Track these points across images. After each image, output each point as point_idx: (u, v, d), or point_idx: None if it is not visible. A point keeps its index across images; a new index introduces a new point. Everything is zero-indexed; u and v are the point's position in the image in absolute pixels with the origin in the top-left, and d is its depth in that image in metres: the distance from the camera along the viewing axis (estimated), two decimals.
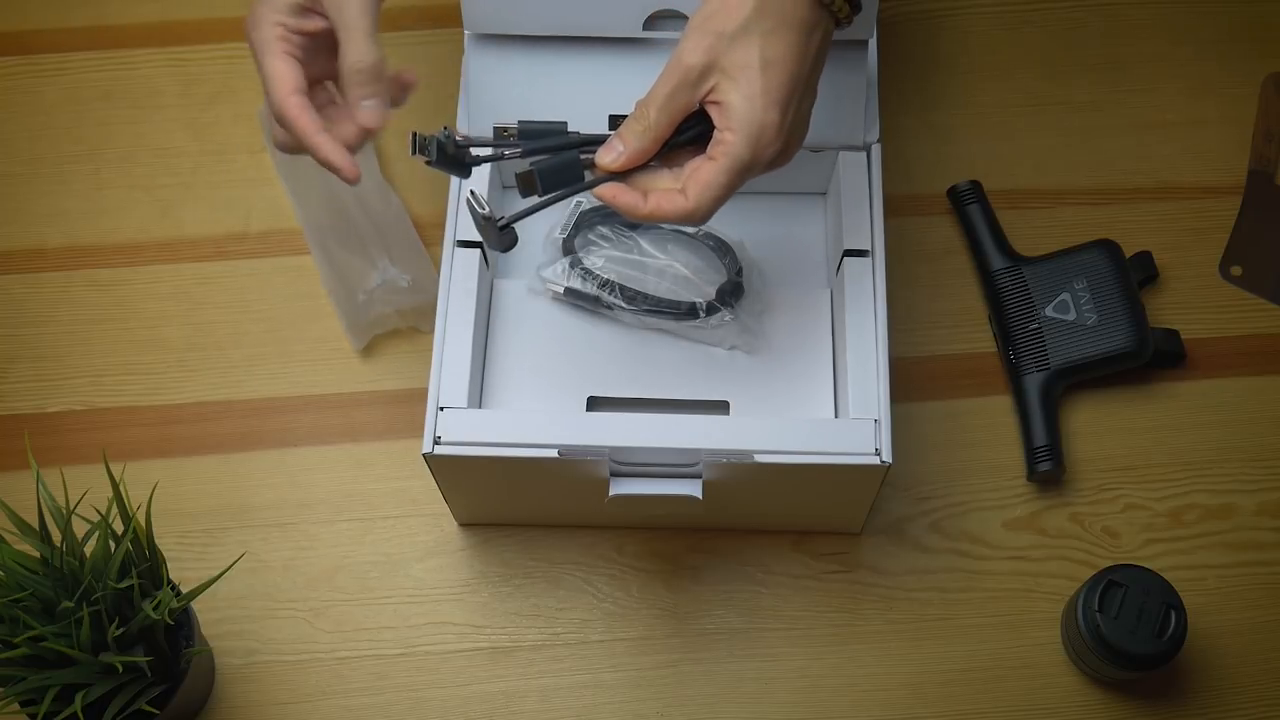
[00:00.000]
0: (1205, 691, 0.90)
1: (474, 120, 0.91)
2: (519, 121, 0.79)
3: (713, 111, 0.75)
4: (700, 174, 0.74)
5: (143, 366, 0.99)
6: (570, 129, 0.80)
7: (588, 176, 0.77)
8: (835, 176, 0.92)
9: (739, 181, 0.74)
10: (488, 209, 0.76)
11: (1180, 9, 1.10)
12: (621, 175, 0.76)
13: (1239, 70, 1.08)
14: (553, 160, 0.76)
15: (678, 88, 0.74)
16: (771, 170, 0.76)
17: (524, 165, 0.76)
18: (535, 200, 0.76)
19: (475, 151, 0.78)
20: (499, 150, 0.78)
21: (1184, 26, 1.10)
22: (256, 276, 1.02)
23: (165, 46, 1.10)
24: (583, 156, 0.76)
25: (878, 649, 0.91)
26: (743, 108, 0.73)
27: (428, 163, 0.77)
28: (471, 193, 0.77)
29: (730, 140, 0.73)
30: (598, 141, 0.77)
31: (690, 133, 0.76)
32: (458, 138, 0.77)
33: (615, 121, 0.80)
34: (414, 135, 0.76)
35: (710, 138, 0.75)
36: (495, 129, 0.78)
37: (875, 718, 0.90)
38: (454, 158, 0.77)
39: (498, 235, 0.77)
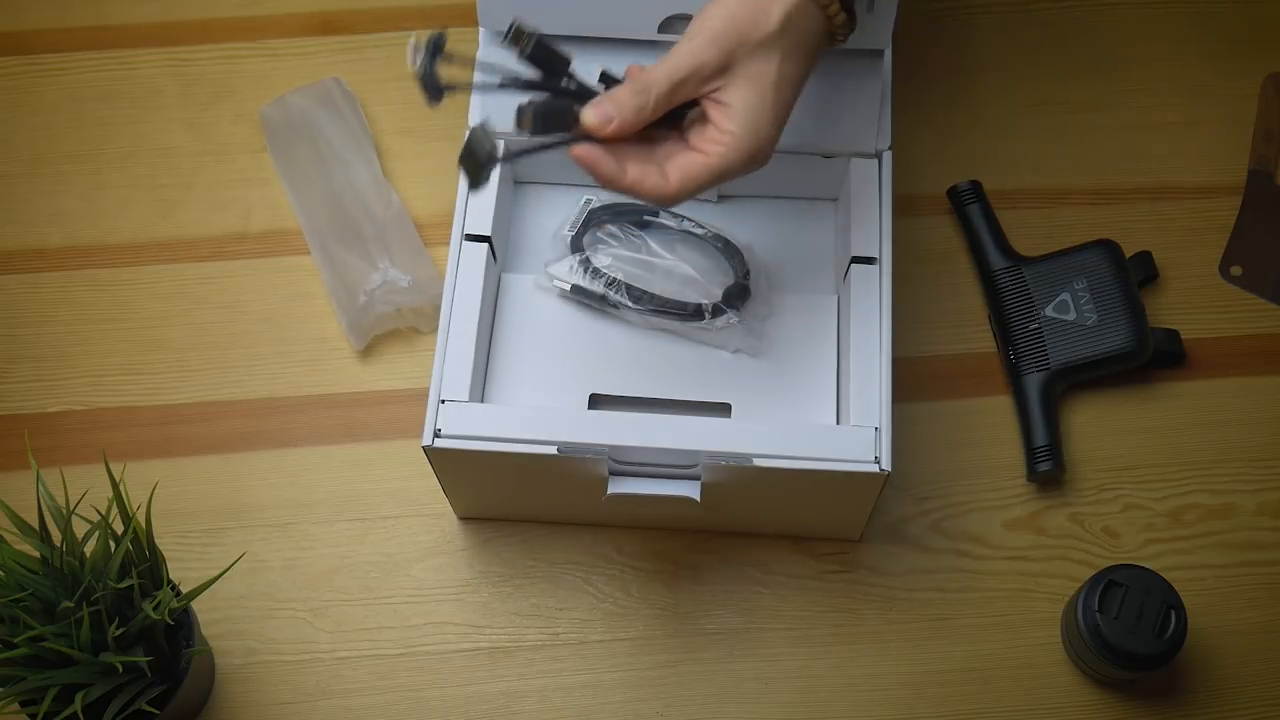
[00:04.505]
0: (1205, 691, 0.90)
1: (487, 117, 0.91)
2: (540, 34, 0.75)
3: (713, 109, 0.74)
4: (689, 164, 0.74)
5: (143, 366, 0.99)
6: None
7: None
8: (846, 183, 0.92)
9: (720, 182, 0.75)
10: (497, 146, 0.73)
11: (1180, 9, 1.10)
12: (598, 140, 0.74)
13: (1239, 70, 1.08)
14: (550, 103, 0.74)
15: (687, 80, 0.73)
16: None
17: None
18: (526, 142, 0.74)
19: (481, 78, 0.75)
20: (500, 80, 0.75)
21: (1184, 26, 1.10)
22: (256, 276, 1.02)
23: (165, 46, 1.10)
24: (576, 107, 0.74)
25: (877, 649, 0.91)
26: (748, 117, 0.73)
27: (420, 75, 0.74)
28: (482, 126, 0.73)
29: (728, 143, 0.74)
30: (590, 94, 0.75)
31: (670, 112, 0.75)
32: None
33: (606, 78, 0.78)
34: (412, 48, 0.74)
35: (683, 120, 0.75)
36: (514, 27, 0.75)
37: (875, 718, 0.90)
38: (436, 82, 0.74)
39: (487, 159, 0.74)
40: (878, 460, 0.82)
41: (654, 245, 0.94)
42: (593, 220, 0.94)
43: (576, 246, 0.93)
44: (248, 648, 0.91)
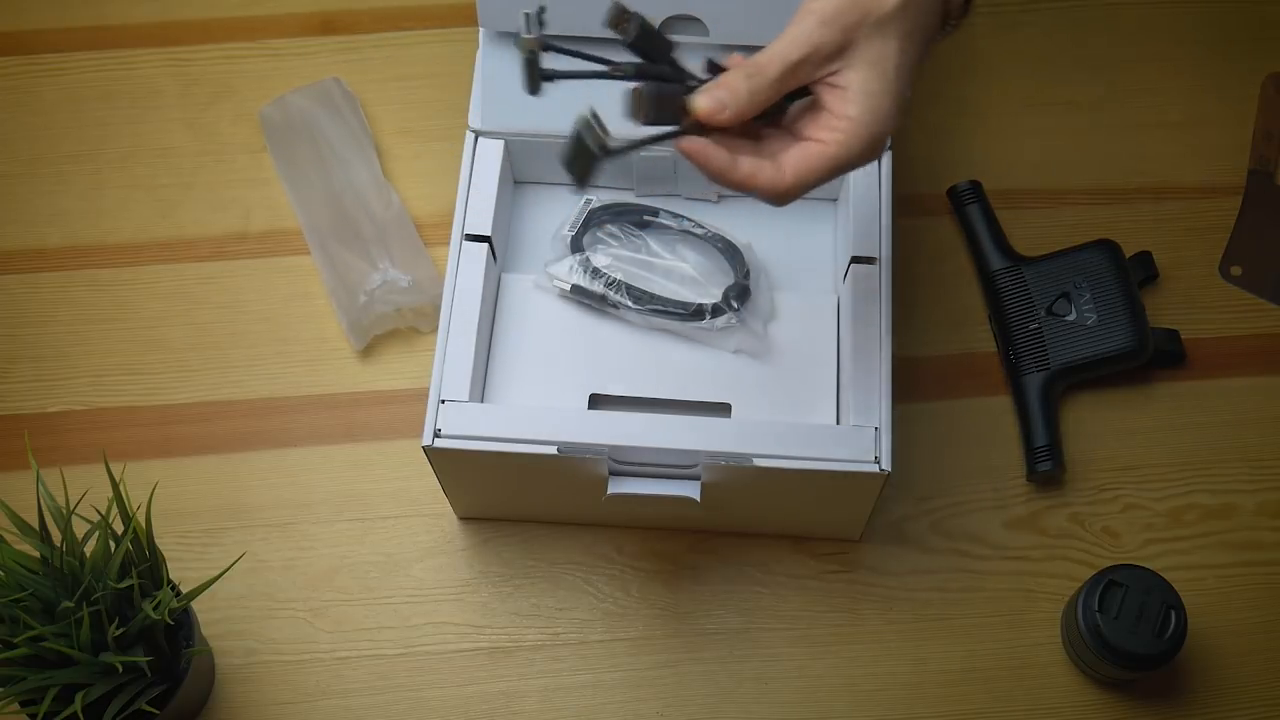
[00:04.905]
0: (1205, 691, 0.90)
1: (487, 119, 0.91)
2: (643, 17, 0.70)
3: (828, 94, 0.69)
4: (806, 155, 0.69)
5: (143, 366, 0.99)
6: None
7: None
8: (846, 183, 0.91)
9: (837, 175, 0.69)
10: (608, 137, 0.67)
11: (1180, 9, 1.10)
12: (705, 130, 0.69)
13: (1239, 70, 1.08)
14: (662, 87, 0.68)
15: (803, 62, 0.68)
16: None
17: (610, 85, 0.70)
18: (626, 141, 0.68)
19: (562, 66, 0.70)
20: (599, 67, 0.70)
21: (1184, 26, 1.10)
22: (256, 276, 1.02)
23: (165, 46, 1.10)
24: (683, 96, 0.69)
25: (877, 649, 0.91)
26: (869, 102, 0.68)
27: (530, 53, 0.69)
28: (594, 114, 0.67)
29: (848, 130, 0.68)
30: (696, 82, 0.70)
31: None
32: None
33: (713, 67, 0.73)
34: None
35: (785, 111, 0.71)
36: (617, 8, 0.70)
37: (875, 718, 0.90)
38: (538, 67, 0.69)
39: (597, 163, 0.68)
40: (878, 460, 0.82)
41: (654, 245, 0.94)
42: (593, 220, 0.94)
43: (576, 246, 0.93)
44: (248, 648, 0.91)
